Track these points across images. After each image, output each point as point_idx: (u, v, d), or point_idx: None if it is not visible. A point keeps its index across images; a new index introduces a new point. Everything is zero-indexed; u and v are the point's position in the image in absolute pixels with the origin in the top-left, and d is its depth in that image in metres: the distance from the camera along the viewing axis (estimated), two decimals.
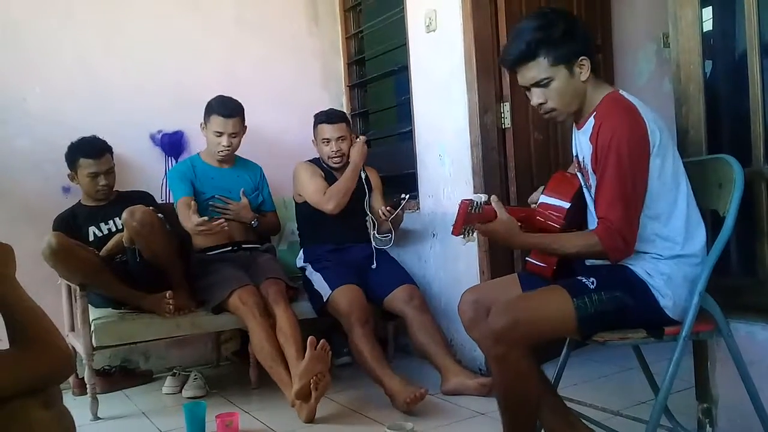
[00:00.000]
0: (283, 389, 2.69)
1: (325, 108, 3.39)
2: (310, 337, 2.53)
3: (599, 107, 1.81)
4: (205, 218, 2.85)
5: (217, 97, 3.19)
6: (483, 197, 1.79)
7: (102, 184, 3.05)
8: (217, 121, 3.12)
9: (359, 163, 3.22)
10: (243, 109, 3.19)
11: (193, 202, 2.98)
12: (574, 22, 1.83)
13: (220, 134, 3.13)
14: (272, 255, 3.30)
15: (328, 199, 3.13)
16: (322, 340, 2.53)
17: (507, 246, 1.89)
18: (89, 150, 3.02)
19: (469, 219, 1.78)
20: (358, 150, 3.23)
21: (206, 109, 3.17)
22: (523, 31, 1.81)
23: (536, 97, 1.84)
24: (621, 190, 1.70)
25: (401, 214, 3.13)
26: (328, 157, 3.22)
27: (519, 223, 1.95)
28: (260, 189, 3.34)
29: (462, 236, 1.80)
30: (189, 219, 2.87)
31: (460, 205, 1.77)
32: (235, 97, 3.19)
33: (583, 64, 1.79)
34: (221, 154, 3.18)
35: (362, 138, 3.32)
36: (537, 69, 1.80)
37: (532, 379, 1.78)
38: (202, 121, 3.19)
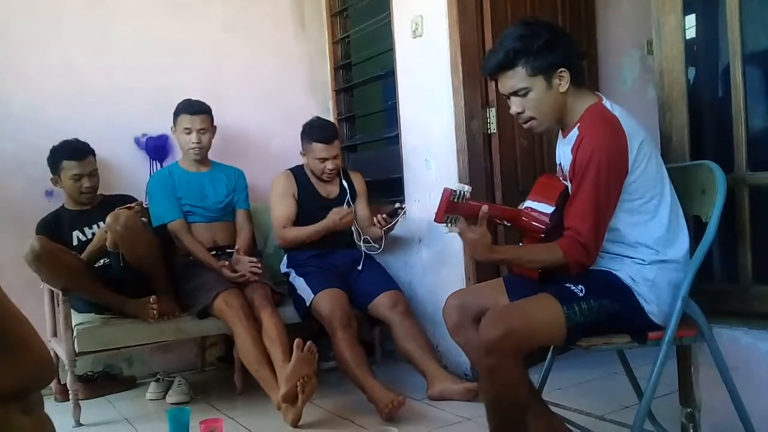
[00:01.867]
0: (268, 392, 2.68)
1: (312, 113, 3.37)
2: (296, 339, 2.53)
3: (583, 119, 1.82)
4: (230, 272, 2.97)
5: (183, 100, 3.22)
6: (467, 188, 1.80)
7: (86, 186, 3.03)
8: (185, 119, 3.16)
9: (331, 228, 3.08)
10: (210, 109, 3.21)
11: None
12: (558, 34, 1.84)
13: (189, 131, 3.16)
14: (258, 259, 3.27)
15: (283, 235, 3.14)
16: (309, 342, 2.53)
17: (477, 258, 1.90)
18: (71, 152, 3.00)
19: (451, 208, 1.79)
20: (342, 219, 3.06)
21: (174, 112, 3.21)
22: (505, 40, 1.83)
23: (515, 105, 1.87)
24: (595, 204, 1.73)
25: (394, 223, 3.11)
26: (322, 173, 3.18)
27: (507, 223, 1.96)
28: (236, 190, 3.30)
29: (444, 224, 1.82)
30: (194, 245, 3.07)
31: (443, 193, 1.78)
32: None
33: (563, 76, 1.80)
34: (193, 151, 3.17)
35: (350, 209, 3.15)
36: (515, 78, 1.82)
37: (522, 388, 1.79)
38: (172, 124, 3.22)
